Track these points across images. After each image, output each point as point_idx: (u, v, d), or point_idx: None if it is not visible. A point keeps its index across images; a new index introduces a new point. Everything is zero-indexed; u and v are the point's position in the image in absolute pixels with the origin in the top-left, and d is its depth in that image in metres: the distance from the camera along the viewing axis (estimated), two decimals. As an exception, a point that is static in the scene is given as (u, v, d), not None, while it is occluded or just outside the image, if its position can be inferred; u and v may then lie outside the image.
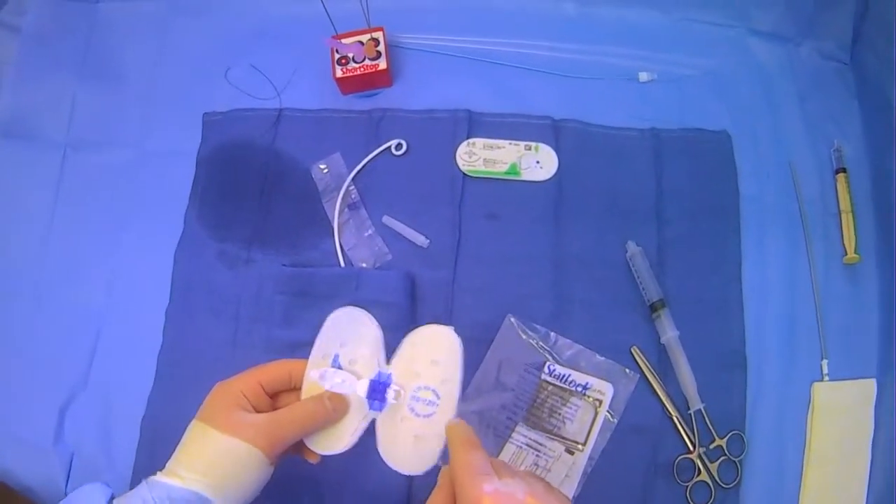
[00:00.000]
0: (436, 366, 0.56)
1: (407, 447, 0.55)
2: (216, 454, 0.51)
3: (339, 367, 0.58)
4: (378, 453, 0.56)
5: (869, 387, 0.75)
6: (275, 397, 0.58)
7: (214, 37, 0.92)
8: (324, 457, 0.58)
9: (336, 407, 0.56)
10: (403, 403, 0.56)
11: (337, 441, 0.57)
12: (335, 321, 0.59)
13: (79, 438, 0.77)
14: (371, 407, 0.57)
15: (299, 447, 0.58)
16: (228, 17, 0.93)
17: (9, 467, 0.76)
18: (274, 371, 0.58)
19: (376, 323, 0.59)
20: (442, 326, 0.57)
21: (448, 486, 0.50)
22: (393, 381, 0.57)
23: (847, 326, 0.78)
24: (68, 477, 0.76)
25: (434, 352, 0.56)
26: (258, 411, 0.55)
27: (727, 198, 0.81)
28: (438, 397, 0.55)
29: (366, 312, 0.59)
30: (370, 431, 0.57)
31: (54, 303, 0.82)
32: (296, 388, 0.59)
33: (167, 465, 0.52)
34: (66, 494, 0.75)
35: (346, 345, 0.58)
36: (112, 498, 0.52)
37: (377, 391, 0.57)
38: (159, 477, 0.51)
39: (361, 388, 0.57)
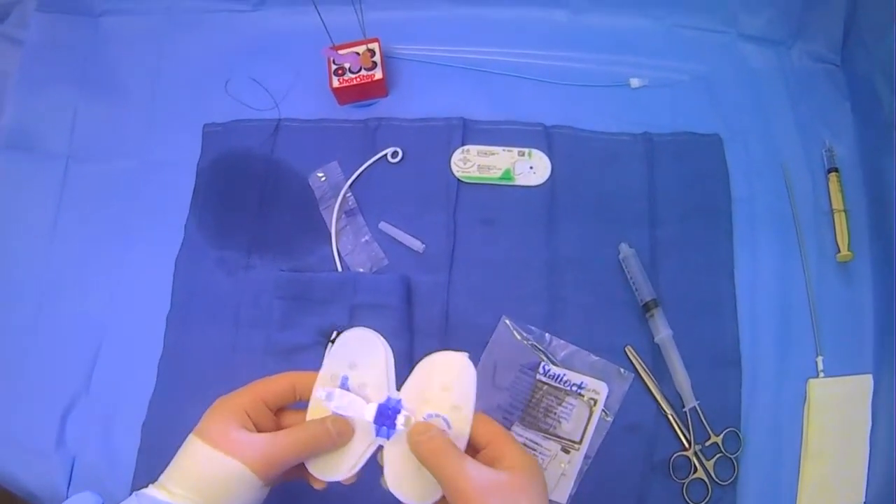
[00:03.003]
0: (448, 392, 0.53)
1: (414, 477, 0.52)
2: (209, 472, 0.50)
3: (348, 390, 0.55)
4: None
5: (865, 382, 0.76)
6: (279, 414, 0.56)
7: (213, 49, 0.94)
8: (329, 483, 0.55)
9: (339, 431, 0.54)
10: None
11: (339, 467, 0.54)
12: (345, 341, 0.56)
13: (80, 444, 0.78)
14: (378, 433, 0.54)
15: (303, 471, 0.55)
16: (227, 30, 0.94)
17: (11, 472, 0.77)
18: (277, 385, 0.55)
19: (388, 346, 0.56)
20: (455, 353, 0.55)
21: None
22: (403, 407, 0.54)
23: (841, 323, 0.78)
24: (70, 482, 0.76)
25: (446, 378, 0.54)
26: (260, 429, 0.53)
27: (719, 199, 0.82)
28: (449, 426, 0.53)
29: (377, 335, 0.56)
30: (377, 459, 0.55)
31: (56, 310, 0.83)
32: (302, 404, 0.57)
33: (160, 477, 0.51)
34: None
35: (356, 367, 0.56)
36: None
37: (386, 416, 0.54)
38: (150, 490, 0.50)
39: (369, 412, 0.54)
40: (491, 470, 0.49)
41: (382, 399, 0.55)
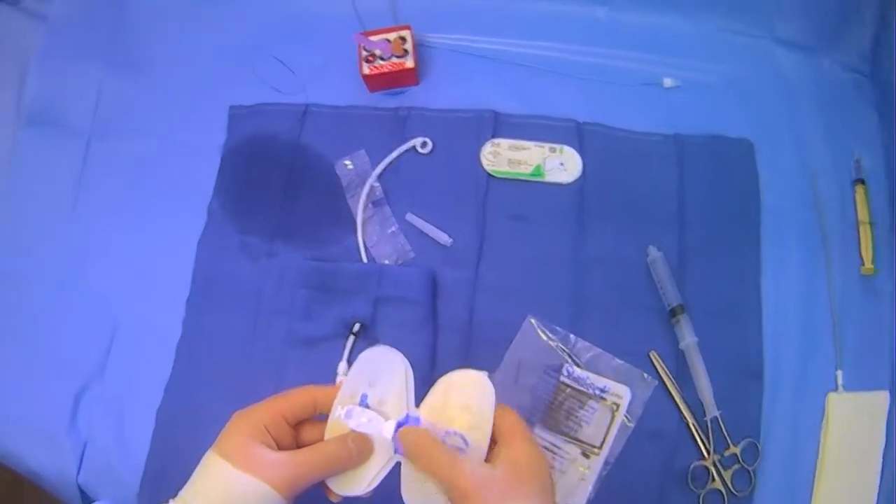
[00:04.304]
0: (467, 412, 0.55)
1: (431, 494, 0.54)
2: (231, 492, 0.50)
3: (368, 407, 0.56)
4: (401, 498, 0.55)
5: (881, 399, 0.75)
6: (298, 427, 0.57)
7: (242, 29, 0.92)
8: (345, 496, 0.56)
9: (360, 449, 0.55)
10: None
11: (358, 483, 0.55)
12: (366, 359, 0.57)
13: (92, 427, 0.77)
14: (397, 450, 0.55)
15: (319, 482, 0.56)
16: (256, 9, 0.92)
17: (20, 453, 0.76)
18: (297, 399, 0.56)
19: (408, 363, 0.57)
20: (475, 372, 0.56)
21: None
22: (421, 424, 0.55)
23: (862, 337, 0.77)
24: (80, 465, 0.76)
25: (466, 397, 0.55)
26: (279, 444, 0.53)
27: (748, 206, 0.81)
28: (467, 444, 0.54)
29: (397, 352, 0.57)
30: (394, 475, 0.55)
31: (74, 290, 0.82)
32: (321, 419, 0.57)
33: (180, 493, 0.51)
34: (77, 483, 0.75)
35: (376, 385, 0.57)
36: None
37: None
38: None
39: (388, 429, 0.55)
40: (486, 465, 0.51)
41: (401, 416, 0.56)
